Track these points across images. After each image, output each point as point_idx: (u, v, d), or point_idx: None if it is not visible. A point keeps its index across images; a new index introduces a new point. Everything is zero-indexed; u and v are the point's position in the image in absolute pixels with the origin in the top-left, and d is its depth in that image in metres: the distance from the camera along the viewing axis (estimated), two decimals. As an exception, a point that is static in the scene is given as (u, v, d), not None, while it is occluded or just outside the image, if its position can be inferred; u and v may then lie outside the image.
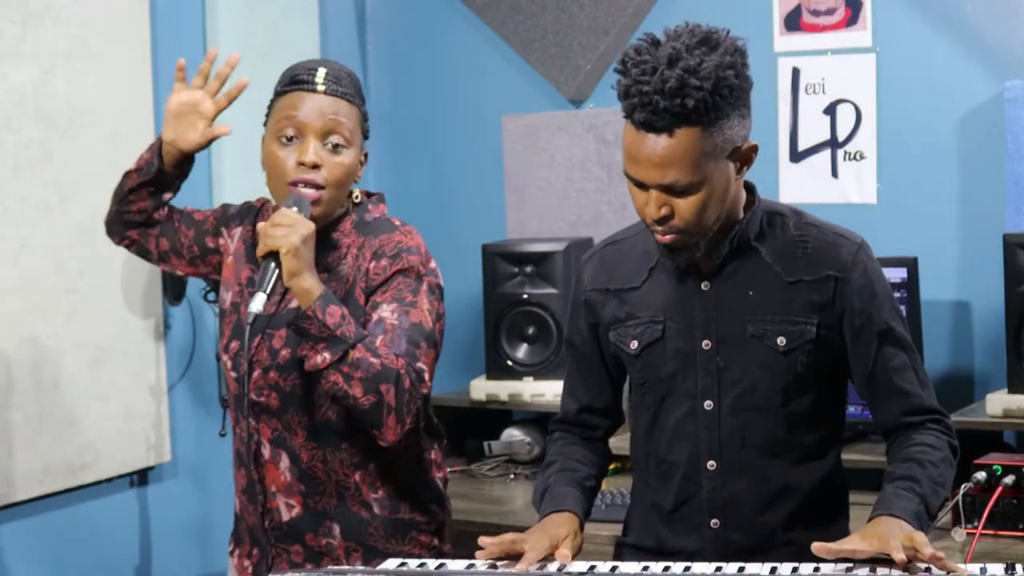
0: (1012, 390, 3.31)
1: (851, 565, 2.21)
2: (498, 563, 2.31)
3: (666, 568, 2.26)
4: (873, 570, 2.18)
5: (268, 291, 2.45)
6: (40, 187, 3.54)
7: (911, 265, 3.52)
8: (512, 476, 3.90)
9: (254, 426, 2.64)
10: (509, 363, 3.96)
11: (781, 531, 2.45)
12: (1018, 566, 2.15)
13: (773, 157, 3.92)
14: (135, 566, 3.88)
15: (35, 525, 3.59)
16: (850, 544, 2.20)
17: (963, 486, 2.99)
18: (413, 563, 2.35)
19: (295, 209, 2.49)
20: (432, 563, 2.33)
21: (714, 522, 2.46)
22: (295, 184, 2.55)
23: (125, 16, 3.74)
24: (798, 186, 3.90)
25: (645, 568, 2.27)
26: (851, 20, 3.83)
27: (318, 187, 2.56)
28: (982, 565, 2.18)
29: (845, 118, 3.86)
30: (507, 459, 3.99)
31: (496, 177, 4.36)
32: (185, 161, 2.75)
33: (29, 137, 3.51)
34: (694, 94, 2.20)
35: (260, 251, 2.47)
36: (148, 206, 2.77)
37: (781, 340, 2.40)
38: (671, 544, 2.49)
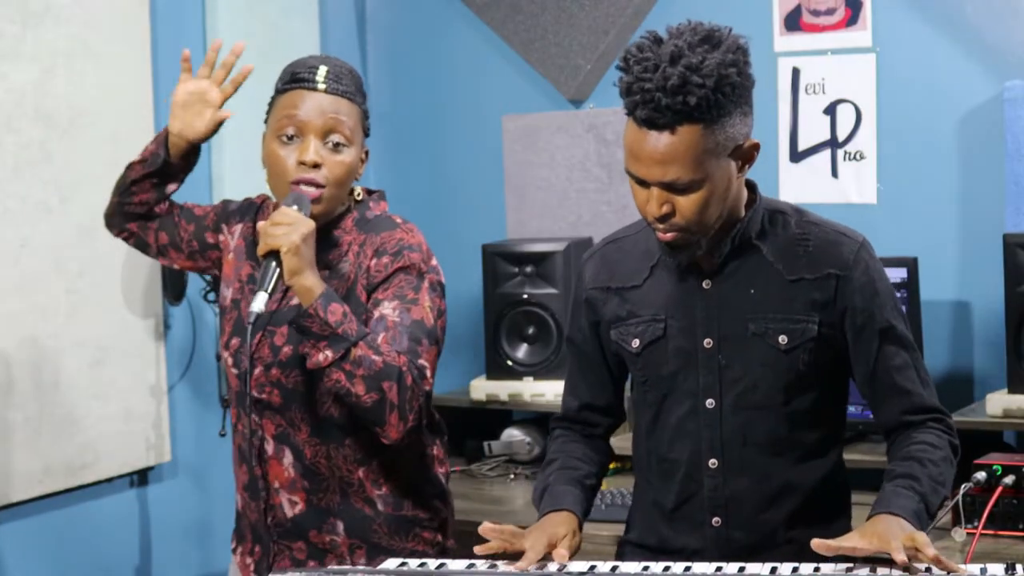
0: (1012, 390, 3.31)
1: (851, 565, 2.21)
2: (498, 563, 2.31)
3: (666, 568, 2.26)
4: (873, 570, 2.18)
5: (269, 290, 2.45)
6: (40, 187, 3.54)
7: (911, 265, 3.52)
8: (512, 476, 3.90)
9: (257, 422, 2.64)
10: (509, 363, 3.96)
11: (783, 529, 2.45)
12: (1018, 566, 2.15)
13: (773, 157, 3.92)
14: (135, 566, 3.87)
15: (35, 525, 3.58)
16: (849, 541, 2.21)
17: (963, 486, 2.98)
18: (413, 563, 2.35)
19: (295, 207, 2.49)
20: (432, 563, 2.33)
21: (716, 520, 2.46)
22: (296, 184, 2.56)
23: (125, 16, 3.74)
24: (798, 186, 3.90)
25: (645, 568, 2.27)
26: (851, 20, 3.83)
27: (319, 186, 2.56)
28: (982, 565, 2.18)
29: (845, 118, 3.86)
30: (507, 459, 3.99)
31: (496, 177, 4.36)
32: (192, 152, 2.75)
33: (29, 137, 3.51)
34: (696, 91, 2.20)
35: (261, 250, 2.47)
36: (150, 198, 2.76)
37: (782, 338, 2.40)
38: (673, 542, 2.49)
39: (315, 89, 2.58)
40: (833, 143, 3.88)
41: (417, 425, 2.57)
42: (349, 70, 2.64)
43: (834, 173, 3.88)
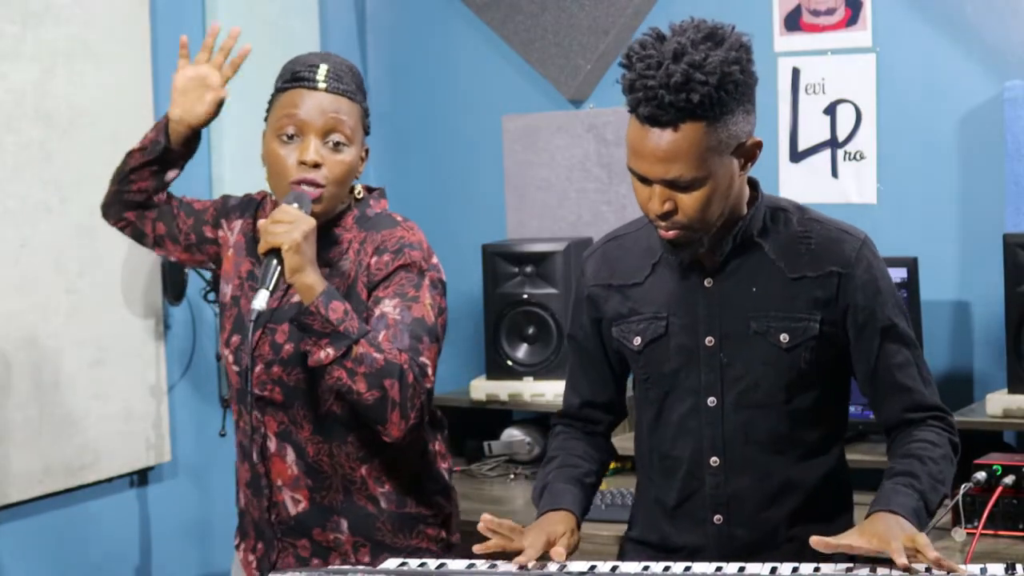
0: (1012, 390, 3.31)
1: (851, 565, 2.20)
2: (498, 563, 2.31)
3: (666, 568, 2.26)
4: (873, 570, 2.18)
5: (271, 288, 2.45)
6: (40, 187, 3.54)
7: (911, 265, 3.52)
8: (512, 476, 3.90)
9: (259, 419, 2.63)
10: (509, 363, 3.96)
11: (784, 527, 2.44)
12: (1018, 566, 2.14)
13: (773, 157, 3.91)
14: (135, 566, 3.87)
15: (35, 525, 3.58)
16: (848, 539, 2.20)
17: (963, 486, 2.98)
18: (414, 563, 2.35)
19: (296, 205, 2.49)
20: (432, 563, 2.32)
21: (717, 518, 2.45)
22: (296, 183, 2.55)
23: (125, 16, 3.74)
24: (798, 186, 3.89)
25: (645, 568, 2.27)
26: (851, 20, 3.83)
27: (319, 186, 2.56)
28: (982, 565, 2.17)
29: (845, 118, 3.86)
30: (507, 459, 3.99)
31: (496, 177, 4.36)
32: (192, 138, 2.75)
33: (29, 137, 3.51)
34: (699, 89, 2.20)
35: (262, 248, 2.47)
36: (150, 186, 2.76)
37: (784, 336, 2.39)
38: (674, 540, 2.49)
39: (315, 88, 2.58)
40: (833, 143, 3.88)
41: (419, 423, 2.57)
42: (349, 68, 2.64)
43: (834, 173, 3.88)
